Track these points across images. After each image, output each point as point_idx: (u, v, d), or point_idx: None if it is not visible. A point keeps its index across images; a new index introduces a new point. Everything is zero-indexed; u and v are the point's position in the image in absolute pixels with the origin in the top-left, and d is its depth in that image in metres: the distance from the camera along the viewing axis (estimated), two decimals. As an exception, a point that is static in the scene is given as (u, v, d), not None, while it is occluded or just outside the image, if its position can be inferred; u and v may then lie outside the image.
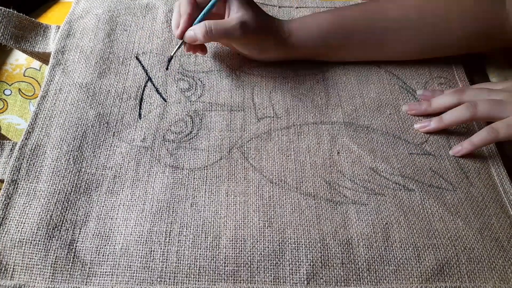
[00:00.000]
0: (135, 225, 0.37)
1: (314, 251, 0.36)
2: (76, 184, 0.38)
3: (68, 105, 0.43)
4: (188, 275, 0.34)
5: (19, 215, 0.36)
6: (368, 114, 0.46)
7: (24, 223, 0.35)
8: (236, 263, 0.35)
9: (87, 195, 0.38)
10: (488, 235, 0.38)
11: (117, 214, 0.37)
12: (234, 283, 0.34)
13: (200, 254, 0.35)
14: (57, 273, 0.34)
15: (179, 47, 0.44)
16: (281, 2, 0.56)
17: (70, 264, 0.34)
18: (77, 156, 0.40)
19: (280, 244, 0.36)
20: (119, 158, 0.40)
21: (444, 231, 0.38)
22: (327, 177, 0.41)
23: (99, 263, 0.35)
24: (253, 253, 0.36)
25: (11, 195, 0.37)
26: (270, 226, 0.37)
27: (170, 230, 0.36)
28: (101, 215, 0.37)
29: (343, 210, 0.39)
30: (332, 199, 0.39)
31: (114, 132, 0.42)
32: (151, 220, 0.37)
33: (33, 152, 0.39)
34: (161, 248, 0.35)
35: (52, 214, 0.36)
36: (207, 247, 0.36)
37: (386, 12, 0.46)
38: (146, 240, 0.36)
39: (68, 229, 0.36)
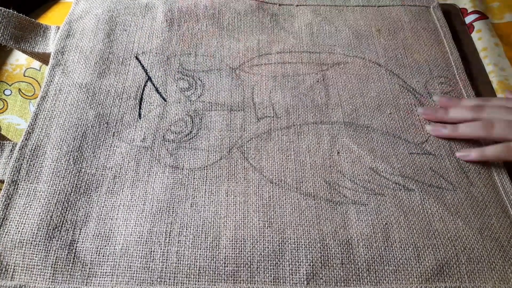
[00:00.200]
0: (135, 226, 0.37)
1: (314, 251, 0.36)
2: (76, 184, 0.38)
3: (68, 105, 0.43)
4: (188, 276, 0.35)
5: (19, 215, 0.36)
6: (368, 113, 0.46)
7: (24, 224, 0.36)
8: (236, 263, 0.35)
9: (87, 195, 0.38)
10: (488, 235, 0.38)
11: (117, 214, 0.37)
12: (234, 283, 0.34)
13: (200, 254, 0.35)
14: (58, 274, 0.34)
15: None
16: (281, 0, 0.55)
17: (70, 265, 0.34)
18: (77, 156, 0.40)
19: (280, 244, 0.36)
20: (119, 158, 0.40)
21: (444, 231, 0.38)
22: (327, 177, 0.41)
23: (99, 264, 0.35)
24: (253, 253, 0.36)
25: (11, 195, 0.37)
26: (270, 226, 0.37)
27: (170, 230, 0.36)
28: (101, 215, 0.37)
29: (343, 210, 0.38)
30: (332, 199, 0.39)
31: (114, 132, 0.42)
32: (151, 220, 0.37)
33: (33, 152, 0.39)
34: (161, 249, 0.35)
35: (52, 215, 0.36)
36: (207, 247, 0.36)
37: None
38: (146, 241, 0.36)
39: (68, 230, 0.36)
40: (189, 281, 0.34)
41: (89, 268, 0.34)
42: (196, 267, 0.35)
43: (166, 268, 0.35)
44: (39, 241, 0.35)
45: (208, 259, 0.35)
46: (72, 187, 0.38)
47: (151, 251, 0.35)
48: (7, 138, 0.42)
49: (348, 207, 0.39)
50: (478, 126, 0.41)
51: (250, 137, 0.43)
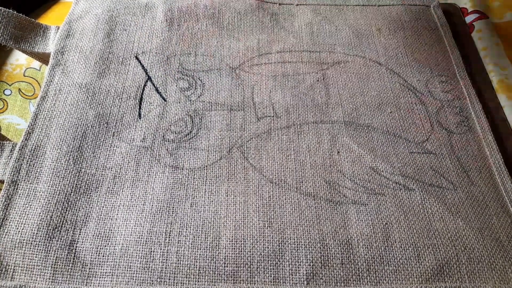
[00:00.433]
0: (135, 226, 0.37)
1: (314, 251, 0.36)
2: (76, 184, 0.38)
3: (68, 105, 0.43)
4: (188, 276, 0.35)
5: (19, 215, 0.36)
6: (369, 112, 0.46)
7: (24, 224, 0.36)
8: (236, 263, 0.35)
9: (87, 195, 0.38)
10: (489, 235, 0.38)
11: (117, 214, 0.37)
12: (234, 283, 0.34)
13: (200, 255, 0.35)
14: (57, 274, 0.34)
15: None
16: (281, -1, 0.55)
17: (70, 265, 0.34)
18: (77, 156, 0.40)
19: (280, 244, 0.36)
20: (119, 158, 0.40)
21: (444, 231, 0.38)
22: (327, 177, 0.40)
23: (99, 264, 0.35)
24: (253, 253, 0.36)
25: (11, 195, 0.37)
26: (270, 226, 0.37)
27: (170, 231, 0.36)
28: (101, 215, 0.37)
29: (343, 210, 0.38)
30: (332, 199, 0.39)
31: (114, 132, 0.42)
32: (151, 220, 0.37)
33: (33, 152, 0.39)
34: (161, 249, 0.35)
35: (52, 215, 0.36)
36: (207, 247, 0.36)
37: None
38: (146, 241, 0.36)
39: (68, 230, 0.36)
40: (189, 281, 0.34)
41: (89, 268, 0.34)
42: (196, 267, 0.35)
43: (166, 268, 0.35)
44: (39, 241, 0.35)
45: (208, 259, 0.35)
46: (72, 187, 0.38)
47: (151, 251, 0.35)
48: (7, 138, 0.42)
49: (348, 207, 0.39)
50: None
51: (250, 137, 0.43)
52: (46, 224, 0.36)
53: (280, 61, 0.49)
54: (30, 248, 0.34)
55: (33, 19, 0.48)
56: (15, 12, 0.46)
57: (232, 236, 0.36)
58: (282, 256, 0.36)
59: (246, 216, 0.38)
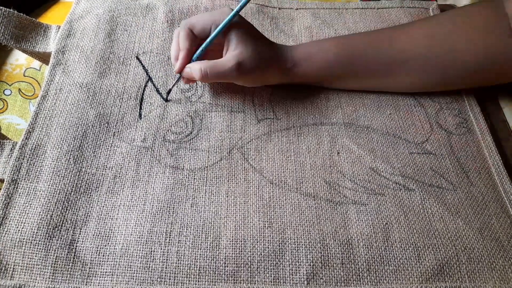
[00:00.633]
0: (135, 225, 0.36)
1: (314, 251, 0.36)
2: (76, 184, 0.38)
3: (69, 105, 0.43)
4: (188, 276, 0.34)
5: (19, 215, 0.36)
6: (368, 114, 0.46)
7: (24, 223, 0.35)
8: (236, 264, 0.35)
9: (87, 195, 0.38)
10: (488, 235, 0.38)
11: (117, 214, 0.37)
12: (234, 283, 0.34)
13: (200, 255, 0.35)
14: (57, 273, 0.34)
15: (177, 81, 0.44)
16: (281, 3, 0.56)
17: (70, 264, 0.34)
18: (77, 156, 0.40)
19: (280, 245, 0.36)
20: (120, 158, 0.40)
21: (444, 231, 0.38)
22: (327, 177, 0.41)
23: (99, 263, 0.34)
24: (253, 254, 0.36)
25: (11, 194, 0.37)
26: (270, 227, 0.37)
27: (170, 231, 0.36)
28: (101, 215, 0.37)
29: (343, 210, 0.39)
30: (332, 199, 0.39)
31: (114, 132, 0.42)
32: (151, 220, 0.37)
33: (33, 152, 0.39)
34: (161, 249, 0.35)
35: (52, 214, 0.36)
36: (207, 247, 0.36)
37: (394, 42, 0.44)
38: (146, 241, 0.36)
39: (68, 229, 0.36)
40: (189, 281, 0.34)
41: (89, 268, 0.34)
42: (196, 267, 0.35)
43: (166, 268, 0.35)
44: (39, 241, 0.35)
45: (208, 259, 0.35)
46: (72, 187, 0.38)
47: (151, 251, 0.35)
48: (7, 137, 0.42)
49: (348, 207, 0.39)
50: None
51: (250, 138, 0.43)
52: (46, 223, 0.36)
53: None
54: (30, 247, 0.34)
55: (33, 19, 0.48)
56: (15, 12, 0.46)
57: (232, 236, 0.36)
58: (282, 256, 0.36)
59: (246, 216, 0.38)
